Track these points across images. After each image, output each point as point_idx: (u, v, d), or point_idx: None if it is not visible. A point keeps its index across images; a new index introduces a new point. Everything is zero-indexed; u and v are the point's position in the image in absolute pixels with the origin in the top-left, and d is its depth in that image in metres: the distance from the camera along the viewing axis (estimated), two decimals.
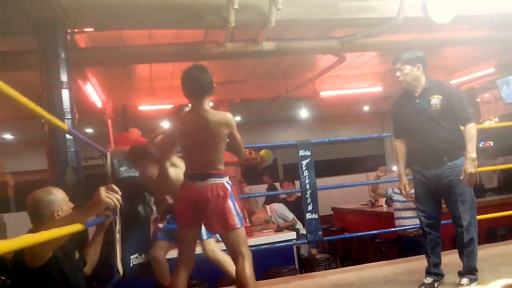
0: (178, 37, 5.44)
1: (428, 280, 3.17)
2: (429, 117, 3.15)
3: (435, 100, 3.13)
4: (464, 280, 3.06)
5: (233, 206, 2.72)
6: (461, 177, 3.04)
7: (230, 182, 2.80)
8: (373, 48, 6.41)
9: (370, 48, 6.19)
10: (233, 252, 2.74)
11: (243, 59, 5.96)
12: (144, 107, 8.23)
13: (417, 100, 3.20)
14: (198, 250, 3.63)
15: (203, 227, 2.99)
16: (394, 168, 3.45)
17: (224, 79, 8.30)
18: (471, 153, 3.03)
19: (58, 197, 2.24)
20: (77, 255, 2.34)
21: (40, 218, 2.18)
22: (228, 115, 2.77)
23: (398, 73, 3.21)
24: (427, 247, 3.25)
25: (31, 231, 2.11)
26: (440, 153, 3.14)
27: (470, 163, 3.01)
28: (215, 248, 3.36)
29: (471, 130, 3.09)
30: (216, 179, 2.72)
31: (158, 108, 8.35)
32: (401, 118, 3.34)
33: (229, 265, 3.14)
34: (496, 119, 9.37)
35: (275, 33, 4.84)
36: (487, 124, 9.16)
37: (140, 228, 3.57)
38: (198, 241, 3.49)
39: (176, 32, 5.37)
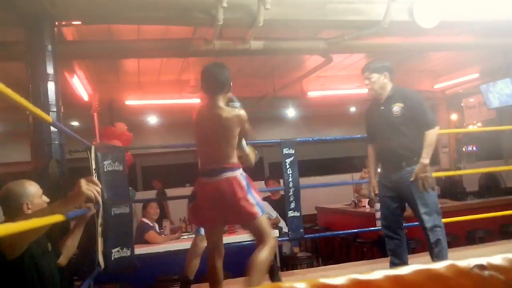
0: (166, 33, 5.44)
1: None
2: (390, 124, 3.28)
3: (396, 108, 3.26)
4: None
5: (250, 196, 2.77)
6: (411, 179, 3.15)
7: (244, 173, 2.85)
8: (359, 50, 6.47)
9: (357, 50, 6.25)
10: (257, 240, 2.82)
11: (230, 57, 5.98)
12: (131, 102, 8.19)
13: (382, 107, 3.35)
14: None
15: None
16: (379, 169, 3.58)
17: None
18: (425, 158, 3.16)
19: (30, 190, 2.23)
20: (49, 246, 2.33)
21: (10, 210, 2.18)
22: (241, 113, 2.82)
23: (366, 81, 3.37)
24: (387, 248, 3.37)
25: (3, 223, 2.12)
26: (399, 158, 3.27)
27: (420, 168, 3.15)
28: (203, 245, 3.40)
29: (429, 136, 3.19)
30: (229, 172, 2.76)
31: (145, 103, 8.33)
32: (370, 124, 3.52)
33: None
34: (480, 124, 9.52)
35: (263, 32, 4.87)
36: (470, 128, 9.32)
37: (123, 221, 3.59)
38: (193, 235, 3.58)
39: (165, 28, 5.36)
